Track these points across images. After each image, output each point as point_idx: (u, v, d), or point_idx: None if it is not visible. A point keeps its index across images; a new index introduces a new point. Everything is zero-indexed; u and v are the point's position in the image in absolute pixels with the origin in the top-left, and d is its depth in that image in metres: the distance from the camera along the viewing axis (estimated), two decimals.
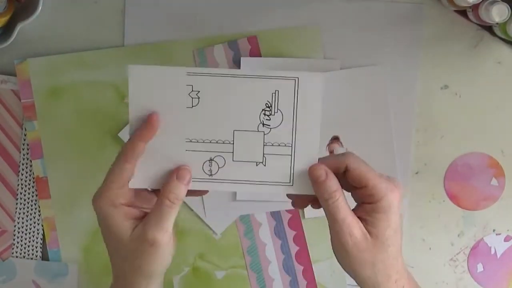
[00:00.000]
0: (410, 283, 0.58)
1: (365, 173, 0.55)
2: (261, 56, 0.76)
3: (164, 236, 0.54)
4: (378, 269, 0.55)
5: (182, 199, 0.55)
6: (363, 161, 0.56)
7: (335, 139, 0.76)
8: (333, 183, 0.55)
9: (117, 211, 0.54)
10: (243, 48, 0.76)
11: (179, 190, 0.55)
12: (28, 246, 0.78)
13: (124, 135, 0.77)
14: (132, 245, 0.54)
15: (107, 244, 0.57)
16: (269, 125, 0.58)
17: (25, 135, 0.78)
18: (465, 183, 0.78)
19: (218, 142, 0.57)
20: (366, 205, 0.55)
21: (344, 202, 0.55)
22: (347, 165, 0.55)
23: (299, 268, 0.77)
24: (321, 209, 0.56)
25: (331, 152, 0.75)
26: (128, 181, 0.56)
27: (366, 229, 0.55)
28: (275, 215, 0.77)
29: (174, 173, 0.56)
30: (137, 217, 0.55)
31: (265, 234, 0.77)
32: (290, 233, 0.77)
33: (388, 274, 0.56)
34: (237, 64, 0.76)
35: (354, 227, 0.54)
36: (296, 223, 0.77)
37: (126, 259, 0.55)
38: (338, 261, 0.57)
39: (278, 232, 0.77)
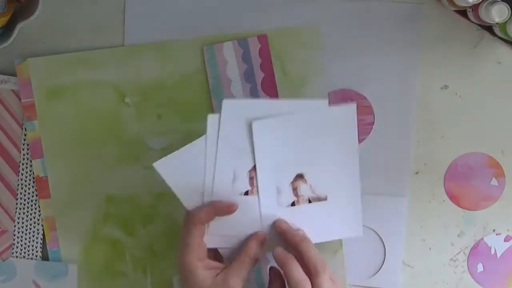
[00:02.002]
0: None
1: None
2: (270, 55, 0.76)
3: (241, 284, 0.65)
4: None
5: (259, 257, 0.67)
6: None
7: (299, 176, 0.70)
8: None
9: (201, 263, 0.65)
10: (252, 46, 0.76)
11: (258, 249, 0.67)
12: (28, 246, 0.78)
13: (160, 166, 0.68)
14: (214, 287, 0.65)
15: None
16: None
17: (25, 135, 0.78)
18: (465, 183, 0.78)
19: None
20: None
21: None
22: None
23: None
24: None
25: (294, 189, 0.70)
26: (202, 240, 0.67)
27: None
28: None
29: (254, 237, 0.68)
30: (212, 267, 0.66)
31: None
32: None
33: None
34: (246, 61, 0.76)
35: None
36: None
37: None
38: None
39: None
